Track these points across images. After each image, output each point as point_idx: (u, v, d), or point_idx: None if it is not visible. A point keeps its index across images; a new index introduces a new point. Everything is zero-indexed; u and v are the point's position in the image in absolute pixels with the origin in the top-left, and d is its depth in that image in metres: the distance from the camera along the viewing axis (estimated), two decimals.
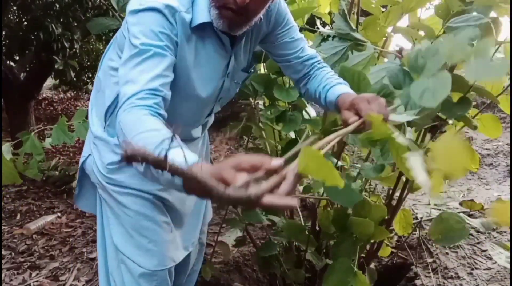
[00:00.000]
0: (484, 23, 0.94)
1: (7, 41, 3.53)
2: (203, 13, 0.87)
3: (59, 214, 2.56)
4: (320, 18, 1.59)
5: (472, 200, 1.55)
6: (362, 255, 1.43)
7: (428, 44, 0.82)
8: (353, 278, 1.02)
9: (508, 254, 1.09)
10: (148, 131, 0.66)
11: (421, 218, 1.99)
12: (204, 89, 0.97)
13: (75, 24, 3.47)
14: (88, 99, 1.18)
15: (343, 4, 1.19)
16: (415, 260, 1.82)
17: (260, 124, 1.49)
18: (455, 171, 0.50)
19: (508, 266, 1.06)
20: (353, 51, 1.19)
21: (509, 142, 3.07)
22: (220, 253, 1.88)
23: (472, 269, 1.67)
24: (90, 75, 5.76)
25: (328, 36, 1.18)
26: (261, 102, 1.54)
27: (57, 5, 3.29)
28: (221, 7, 0.85)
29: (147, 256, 1.01)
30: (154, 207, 1.02)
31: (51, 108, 6.85)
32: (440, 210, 2.10)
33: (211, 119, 1.21)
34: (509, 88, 1.10)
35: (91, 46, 5.24)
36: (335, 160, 1.32)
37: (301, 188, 1.70)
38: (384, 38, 1.39)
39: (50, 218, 2.46)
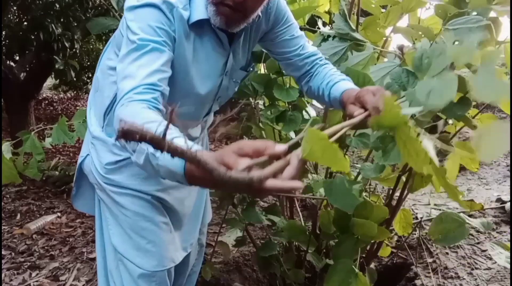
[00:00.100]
0: (484, 24, 0.94)
1: (7, 41, 3.53)
2: (201, 10, 0.87)
3: (59, 214, 2.56)
4: (320, 18, 1.59)
5: (472, 200, 1.55)
6: (362, 255, 1.43)
7: (430, 44, 0.82)
8: (354, 279, 1.02)
9: (508, 254, 1.09)
10: (147, 123, 0.65)
11: (421, 218, 1.99)
12: (203, 87, 0.96)
13: (75, 24, 3.47)
14: None
15: (343, 4, 1.19)
16: (415, 260, 1.82)
17: (260, 124, 1.49)
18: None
19: (508, 266, 1.06)
20: (353, 51, 1.18)
21: None
22: (220, 253, 1.88)
23: (472, 269, 1.67)
24: (90, 75, 5.76)
25: (328, 36, 1.18)
26: (261, 102, 1.54)
27: (57, 5, 3.29)
28: (218, 3, 0.84)
29: (146, 257, 1.01)
30: (152, 208, 1.02)
31: (51, 108, 6.85)
32: (440, 210, 2.10)
33: (210, 118, 1.20)
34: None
35: (91, 46, 5.24)
36: None
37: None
38: (384, 38, 1.39)
39: (50, 218, 2.46)
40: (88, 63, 5.38)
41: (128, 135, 0.42)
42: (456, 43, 0.91)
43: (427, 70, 0.78)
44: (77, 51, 3.96)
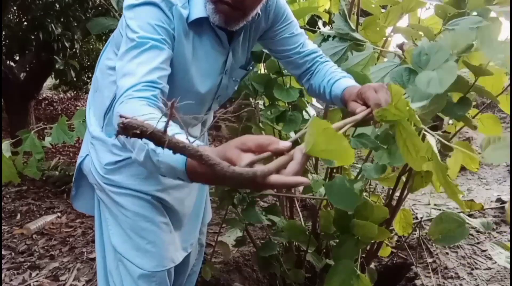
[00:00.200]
0: (484, 25, 0.94)
1: (7, 41, 3.53)
2: (199, 8, 0.86)
3: (59, 214, 2.56)
4: (320, 18, 1.59)
5: (472, 200, 1.55)
6: (362, 255, 1.43)
7: (429, 41, 0.83)
8: (356, 280, 1.02)
9: (508, 254, 1.09)
10: (147, 119, 0.65)
11: (421, 218, 1.99)
12: (203, 85, 0.96)
13: (75, 24, 3.47)
14: None
15: (343, 4, 1.19)
16: (415, 260, 1.82)
17: (260, 124, 1.49)
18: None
19: (508, 266, 1.06)
20: (353, 51, 1.18)
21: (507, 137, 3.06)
22: (220, 253, 1.88)
23: (472, 269, 1.67)
24: (90, 75, 5.75)
25: (328, 36, 1.18)
26: (261, 102, 1.54)
27: (57, 5, 3.29)
28: (217, 1, 0.84)
29: (145, 258, 1.00)
30: (152, 208, 1.01)
31: (51, 108, 6.85)
32: (440, 210, 2.10)
33: (210, 118, 1.20)
34: (509, 88, 1.10)
35: (91, 46, 5.23)
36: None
37: (301, 188, 1.70)
38: (384, 38, 1.39)
39: (50, 218, 2.46)
40: (88, 63, 5.38)
41: (129, 129, 0.40)
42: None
43: (426, 66, 0.78)
44: (77, 51, 3.95)
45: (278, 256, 1.51)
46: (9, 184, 3.00)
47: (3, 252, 2.07)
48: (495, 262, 1.59)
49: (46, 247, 2.16)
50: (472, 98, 1.01)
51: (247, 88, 1.37)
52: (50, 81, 6.29)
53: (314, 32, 1.35)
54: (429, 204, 2.26)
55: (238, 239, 1.61)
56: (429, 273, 1.72)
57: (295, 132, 1.41)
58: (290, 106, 1.34)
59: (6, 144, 1.21)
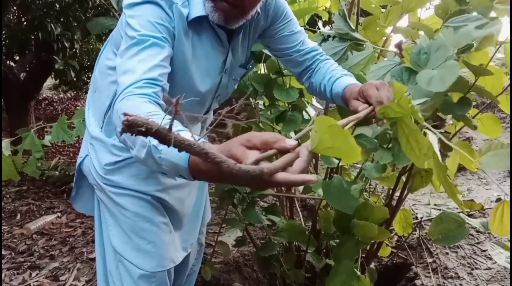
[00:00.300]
0: (484, 23, 0.94)
1: (7, 41, 3.53)
2: (199, 7, 0.86)
3: (59, 214, 2.56)
4: (320, 18, 1.59)
5: (472, 200, 1.55)
6: (362, 255, 1.43)
7: (428, 39, 0.83)
8: (356, 281, 1.02)
9: (508, 254, 1.09)
10: (150, 115, 0.63)
11: (421, 218, 1.99)
12: (203, 84, 0.96)
13: (75, 24, 3.47)
14: None
15: (343, 4, 1.19)
16: (415, 260, 1.82)
17: (260, 124, 1.49)
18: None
19: (508, 266, 1.06)
20: (353, 51, 1.18)
21: (509, 142, 3.06)
22: (220, 253, 1.88)
23: (472, 269, 1.67)
24: (90, 75, 5.74)
25: (328, 36, 1.18)
26: (261, 102, 1.54)
27: (57, 5, 3.29)
28: None
29: (145, 258, 1.00)
30: (152, 208, 1.01)
31: (51, 108, 6.85)
32: (440, 210, 2.10)
33: (210, 117, 1.20)
34: (509, 88, 1.10)
35: (91, 46, 5.23)
36: (336, 161, 1.32)
37: (301, 188, 1.70)
38: (384, 38, 1.39)
39: (50, 218, 2.46)
40: (88, 63, 5.38)
41: (133, 127, 0.39)
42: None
43: (426, 65, 0.78)
44: (77, 51, 3.96)
45: (278, 256, 1.51)
46: (9, 184, 3.00)
47: (3, 252, 2.07)
48: (495, 262, 1.59)
49: (46, 247, 2.16)
50: (472, 98, 1.01)
51: (247, 88, 1.37)
52: (50, 81, 6.29)
53: (314, 32, 1.35)
54: (429, 204, 2.26)
55: (238, 239, 1.61)
56: (429, 273, 1.72)
57: (295, 132, 1.41)
58: (290, 106, 1.34)
59: (6, 142, 1.21)
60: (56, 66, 3.60)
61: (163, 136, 0.41)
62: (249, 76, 1.35)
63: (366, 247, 1.41)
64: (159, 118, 0.61)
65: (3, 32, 3.40)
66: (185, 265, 1.25)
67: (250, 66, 1.11)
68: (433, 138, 0.57)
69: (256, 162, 0.49)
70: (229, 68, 1.00)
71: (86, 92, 7.09)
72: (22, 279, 1.87)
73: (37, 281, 1.85)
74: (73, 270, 1.92)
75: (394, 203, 1.40)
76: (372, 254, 1.49)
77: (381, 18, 1.33)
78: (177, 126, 0.59)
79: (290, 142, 0.53)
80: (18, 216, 2.54)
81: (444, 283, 1.65)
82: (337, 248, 1.15)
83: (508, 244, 1.12)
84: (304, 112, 1.36)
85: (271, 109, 1.35)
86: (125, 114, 0.40)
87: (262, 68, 1.47)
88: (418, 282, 1.70)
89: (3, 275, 1.89)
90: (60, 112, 6.49)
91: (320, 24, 1.59)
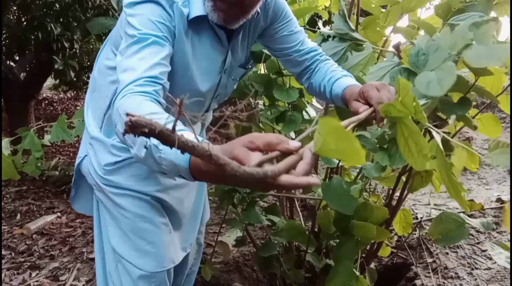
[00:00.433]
0: (480, 22, 0.94)
1: (7, 41, 3.53)
2: (198, 6, 0.86)
3: (59, 214, 2.56)
4: (320, 18, 1.59)
5: (472, 200, 1.55)
6: (362, 255, 1.43)
7: (426, 39, 0.82)
8: (355, 281, 1.02)
9: (508, 254, 1.09)
10: (151, 114, 0.62)
11: (421, 218, 1.99)
12: (203, 84, 0.95)
13: (75, 24, 3.47)
14: None
15: (342, 4, 1.19)
16: (415, 260, 1.82)
17: (260, 124, 1.49)
18: None
19: (508, 266, 1.06)
20: (353, 51, 1.18)
21: (509, 142, 3.06)
22: (220, 253, 1.88)
23: (472, 269, 1.67)
24: (90, 75, 5.73)
25: (328, 36, 1.17)
26: (261, 102, 1.54)
27: (57, 5, 3.29)
28: None
29: (145, 258, 1.00)
30: (152, 209, 1.00)
31: (51, 108, 6.85)
32: (440, 210, 2.10)
33: (209, 117, 1.20)
34: (509, 88, 1.10)
35: (91, 46, 5.23)
36: (336, 161, 1.32)
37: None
38: (384, 38, 1.39)
39: (50, 218, 2.46)
40: (88, 63, 5.38)
41: (136, 128, 0.39)
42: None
43: (424, 67, 0.77)
44: (77, 51, 3.95)
45: (278, 256, 1.51)
46: (9, 184, 3.00)
47: (3, 252, 2.07)
48: (495, 262, 1.59)
49: (46, 247, 2.16)
50: (472, 98, 1.01)
51: (247, 88, 1.37)
52: (50, 81, 6.28)
53: (314, 32, 1.35)
54: (429, 204, 2.26)
55: (238, 239, 1.61)
56: (429, 273, 1.72)
57: (295, 132, 1.41)
58: (290, 106, 1.34)
59: (5, 141, 1.21)
60: (56, 66, 3.59)
61: (167, 137, 0.40)
62: (249, 76, 1.35)
63: (366, 247, 1.41)
64: (161, 118, 0.61)
65: (3, 32, 3.40)
66: (184, 265, 1.25)
67: (250, 66, 1.10)
68: (437, 137, 0.57)
69: (260, 164, 0.48)
70: (228, 68, 1.00)
71: (86, 92, 7.08)
72: (22, 279, 1.87)
73: (37, 281, 1.85)
74: (73, 270, 1.92)
75: (394, 203, 1.40)
76: (372, 254, 1.49)
77: (381, 18, 1.33)
78: (179, 126, 0.59)
79: (294, 143, 0.52)
80: (18, 216, 2.54)
81: (444, 283, 1.65)
82: (336, 248, 1.15)
83: (508, 244, 1.12)
84: (304, 112, 1.36)
85: (271, 109, 1.35)
86: (128, 114, 0.39)
87: (262, 68, 1.47)
88: (418, 282, 1.70)
89: (3, 275, 1.89)
90: (60, 112, 6.49)
91: (320, 24, 1.59)
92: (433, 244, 1.86)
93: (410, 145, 0.61)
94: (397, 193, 1.38)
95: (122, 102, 0.69)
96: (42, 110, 6.47)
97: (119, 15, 1.44)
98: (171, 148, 0.41)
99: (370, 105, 0.76)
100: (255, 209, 1.44)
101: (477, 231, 1.88)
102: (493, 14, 1.04)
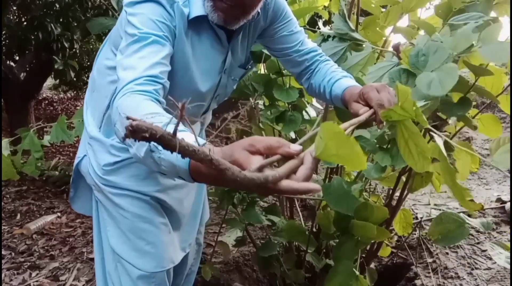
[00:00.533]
0: (485, 22, 0.94)
1: (7, 41, 3.53)
2: (198, 6, 0.86)
3: (59, 214, 2.56)
4: (320, 18, 1.59)
5: (472, 200, 1.55)
6: (362, 255, 1.43)
7: (426, 40, 0.82)
8: (355, 281, 1.02)
9: (508, 254, 1.09)
10: (151, 114, 0.62)
11: (421, 218, 1.99)
12: (203, 84, 0.95)
13: (75, 24, 3.46)
14: None
15: (342, 4, 1.19)
16: (415, 260, 1.82)
17: (260, 124, 1.49)
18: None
19: (508, 266, 1.05)
20: (353, 52, 1.18)
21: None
22: (220, 253, 1.88)
23: (472, 269, 1.67)
24: (90, 75, 5.73)
25: (328, 36, 1.17)
26: (261, 102, 1.54)
27: (57, 5, 3.29)
28: None
29: (145, 259, 1.00)
30: (151, 209, 1.00)
31: (51, 108, 6.85)
32: (440, 210, 2.10)
33: (208, 116, 1.20)
34: (509, 88, 1.10)
35: (91, 46, 5.23)
36: None
37: None
38: (384, 38, 1.39)
39: (50, 218, 2.46)
40: (88, 63, 5.37)
41: (137, 132, 0.38)
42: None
43: (424, 67, 0.77)
44: (77, 51, 3.95)
45: (278, 256, 1.51)
46: (9, 184, 3.00)
47: (3, 252, 2.07)
48: (495, 262, 1.59)
49: (46, 247, 2.16)
50: (472, 98, 1.01)
51: (247, 88, 1.37)
52: (50, 81, 6.28)
53: (314, 32, 1.35)
54: (429, 204, 2.26)
55: (238, 239, 1.60)
56: (429, 273, 1.72)
57: (295, 133, 1.41)
58: (290, 106, 1.34)
59: (5, 142, 1.21)
60: (56, 66, 3.59)
61: (167, 142, 0.40)
62: (249, 76, 1.35)
63: (366, 247, 1.41)
64: (162, 119, 0.60)
65: (3, 32, 3.40)
66: (184, 265, 1.25)
67: (250, 67, 1.10)
68: (439, 140, 0.57)
69: (260, 169, 0.48)
70: (228, 68, 1.00)
71: (86, 92, 7.07)
72: (22, 279, 1.86)
73: (37, 281, 1.85)
74: (73, 270, 1.92)
75: (394, 203, 1.40)
76: (372, 254, 1.49)
77: (381, 18, 1.33)
78: (179, 128, 0.59)
79: (295, 147, 0.52)
80: (18, 216, 2.54)
81: (444, 283, 1.65)
82: (336, 248, 1.15)
83: (508, 244, 1.12)
84: (304, 112, 1.36)
85: (271, 109, 1.35)
86: (128, 118, 0.39)
87: (262, 68, 1.47)
88: (418, 282, 1.70)
89: (3, 275, 1.89)
90: (60, 112, 6.49)
91: (320, 23, 1.58)
92: (433, 244, 1.86)
93: (410, 147, 0.61)
94: (397, 193, 1.38)
95: (122, 101, 0.68)
96: (42, 110, 6.46)
97: (119, 15, 1.44)
98: (171, 153, 0.41)
99: (370, 107, 0.76)
100: (255, 209, 1.44)
101: (477, 231, 1.88)
102: (493, 14, 1.04)
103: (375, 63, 1.15)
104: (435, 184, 1.33)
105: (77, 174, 1.09)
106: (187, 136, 0.52)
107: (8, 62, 3.97)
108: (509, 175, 2.64)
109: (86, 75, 5.70)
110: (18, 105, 3.68)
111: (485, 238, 1.84)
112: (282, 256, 1.55)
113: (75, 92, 7.21)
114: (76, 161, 1.08)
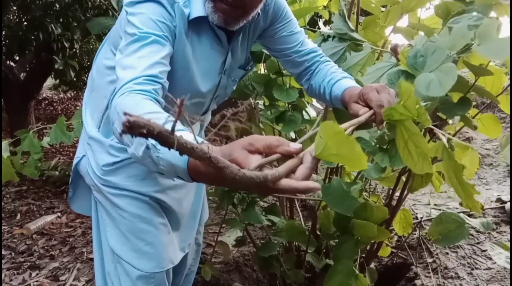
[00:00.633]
0: (479, 22, 0.94)
1: (7, 41, 3.53)
2: (199, 7, 0.86)
3: (59, 214, 2.56)
4: (320, 18, 1.59)
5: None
6: (362, 255, 1.43)
7: (424, 41, 0.82)
8: (355, 280, 1.02)
9: (508, 254, 1.09)
10: (150, 113, 0.62)
11: (421, 218, 1.99)
12: (204, 84, 0.95)
13: (75, 24, 3.47)
14: None
15: (342, 4, 1.19)
16: (415, 260, 1.82)
17: (260, 124, 1.49)
18: None
19: (508, 266, 1.05)
20: (352, 52, 1.18)
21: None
22: (220, 253, 1.88)
23: (472, 269, 1.67)
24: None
25: (329, 36, 1.17)
26: (261, 102, 1.54)
27: (57, 5, 3.29)
28: (216, 0, 0.83)
29: (144, 259, 0.99)
30: (150, 209, 1.00)
31: (51, 108, 6.85)
32: (440, 210, 2.10)
33: (208, 117, 1.20)
34: (509, 88, 1.09)
35: (91, 46, 5.23)
36: None
37: None
38: (384, 38, 1.39)
39: (50, 218, 2.46)
40: (88, 63, 5.37)
41: (135, 128, 0.37)
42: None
43: (423, 68, 0.77)
44: (77, 51, 3.96)
45: (278, 256, 1.51)
46: (9, 184, 3.00)
47: (3, 252, 2.07)
48: (495, 262, 1.59)
49: (46, 247, 2.16)
50: (472, 98, 1.01)
51: (247, 88, 1.36)
52: (50, 81, 6.29)
53: (314, 31, 1.35)
54: (429, 204, 2.26)
55: (238, 239, 1.60)
56: (429, 273, 1.72)
57: (295, 133, 1.41)
58: (290, 106, 1.34)
59: (4, 144, 1.21)
60: (56, 66, 3.60)
61: (165, 139, 0.39)
62: (249, 76, 1.35)
63: (366, 247, 1.40)
64: (160, 117, 0.60)
65: (3, 32, 3.40)
66: (183, 265, 1.25)
67: (249, 68, 1.10)
68: (444, 139, 0.57)
69: (260, 167, 0.47)
70: (228, 69, 1.00)
71: None
72: (22, 279, 1.87)
73: (37, 281, 1.85)
74: (73, 270, 1.92)
75: (394, 203, 1.40)
76: (372, 254, 1.49)
77: (381, 18, 1.33)
78: (178, 127, 0.58)
79: (294, 145, 0.51)
80: (18, 216, 2.54)
81: (444, 283, 1.65)
82: (336, 248, 1.15)
83: (508, 244, 1.12)
84: (304, 112, 1.36)
85: (271, 109, 1.35)
86: (125, 114, 0.38)
87: (262, 68, 1.47)
88: (418, 282, 1.70)
89: (3, 275, 1.89)
90: (60, 112, 6.49)
91: (321, 23, 1.58)
92: (433, 244, 1.86)
93: (410, 148, 0.61)
94: (397, 193, 1.38)
95: (121, 100, 0.68)
96: (42, 110, 6.47)
97: (119, 15, 1.44)
98: (169, 150, 0.40)
99: (370, 108, 0.76)
100: (255, 209, 1.44)
101: (477, 231, 1.88)
102: (493, 14, 1.04)
103: (374, 64, 1.15)
104: (435, 184, 1.33)
105: (76, 174, 1.09)
106: (185, 135, 0.52)
107: (8, 62, 3.97)
108: (509, 175, 2.64)
109: (86, 75, 5.69)
110: (18, 105, 3.68)
111: (485, 238, 1.84)
112: (282, 256, 1.55)
113: (75, 92, 7.22)
114: (75, 161, 1.08)
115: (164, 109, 0.67)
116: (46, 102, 7.21)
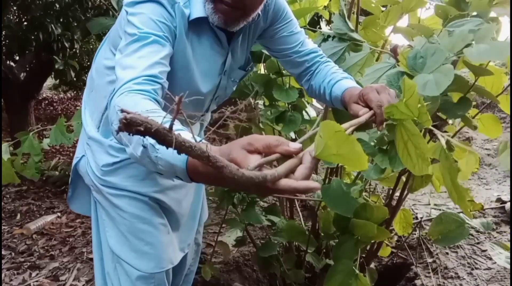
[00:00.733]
0: (480, 25, 0.94)
1: (7, 41, 3.52)
2: (199, 8, 0.86)
3: (59, 214, 2.56)
4: (321, 17, 1.59)
5: (472, 200, 1.55)
6: (362, 255, 1.43)
7: (423, 42, 0.82)
8: (354, 280, 1.02)
9: (508, 254, 1.09)
10: (148, 112, 0.61)
11: (421, 218, 1.99)
12: (204, 85, 0.95)
13: (75, 24, 3.46)
14: None
15: (342, 4, 1.19)
16: (415, 260, 1.82)
17: (260, 124, 1.48)
18: None
19: (508, 266, 1.05)
20: (351, 52, 1.18)
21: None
22: (220, 253, 1.88)
23: (472, 269, 1.67)
24: None
25: (329, 36, 1.17)
26: (261, 102, 1.54)
27: (57, 5, 3.28)
28: (216, 1, 0.83)
29: (143, 259, 0.99)
30: (150, 209, 1.00)
31: (51, 108, 6.85)
32: (440, 210, 2.10)
33: (208, 118, 1.20)
34: (509, 88, 1.09)
35: (91, 46, 5.23)
36: None
37: None
38: (384, 39, 1.39)
39: (50, 218, 2.46)
40: (88, 63, 5.37)
41: (131, 126, 0.37)
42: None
43: (422, 70, 0.77)
44: (77, 51, 3.95)
45: (278, 256, 1.51)
46: (9, 184, 3.00)
47: (3, 252, 2.07)
48: (495, 262, 1.59)
49: (46, 247, 2.16)
50: (472, 98, 1.01)
51: (247, 88, 1.36)
52: (50, 81, 6.29)
53: (314, 31, 1.35)
54: (429, 204, 2.26)
55: (238, 239, 1.60)
56: (429, 273, 1.72)
57: (295, 133, 1.41)
58: (290, 106, 1.34)
59: (5, 146, 1.21)
60: (56, 66, 3.59)
61: (163, 137, 0.38)
62: (249, 76, 1.35)
63: (366, 247, 1.40)
64: (159, 116, 0.59)
65: (3, 32, 3.39)
66: (183, 265, 1.25)
67: (249, 68, 1.10)
68: (443, 140, 0.57)
69: (259, 167, 0.47)
70: (228, 70, 1.00)
71: None
72: (22, 279, 1.87)
73: (37, 281, 1.85)
74: (73, 270, 1.92)
75: (394, 203, 1.40)
76: (372, 254, 1.49)
77: (381, 18, 1.33)
78: (177, 126, 0.58)
79: (294, 145, 0.51)
80: (18, 216, 2.54)
81: (444, 283, 1.65)
82: (336, 248, 1.15)
83: (508, 244, 1.12)
84: (304, 112, 1.36)
85: (271, 109, 1.35)
86: (122, 111, 0.37)
87: (262, 68, 1.47)
88: (418, 282, 1.70)
89: (3, 275, 1.89)
90: (60, 112, 6.49)
91: (323, 24, 1.58)
92: (433, 244, 1.86)
93: (409, 149, 0.61)
94: (397, 193, 1.38)
95: (120, 99, 0.68)
96: (42, 110, 6.47)
97: (119, 14, 1.44)
98: (167, 148, 0.40)
99: (370, 108, 0.76)
100: (255, 209, 1.44)
101: (477, 231, 1.88)
102: (493, 14, 1.04)
103: (373, 65, 1.15)
104: (435, 184, 1.33)
105: (76, 174, 1.09)
106: (184, 134, 0.52)
107: (8, 62, 3.97)
108: (509, 175, 2.64)
109: (86, 75, 5.67)
110: (18, 105, 3.68)
111: (485, 238, 1.84)
112: (282, 256, 1.55)
113: (75, 92, 7.21)
114: (74, 161, 1.08)
115: (164, 109, 0.67)
116: (46, 102, 7.21)
